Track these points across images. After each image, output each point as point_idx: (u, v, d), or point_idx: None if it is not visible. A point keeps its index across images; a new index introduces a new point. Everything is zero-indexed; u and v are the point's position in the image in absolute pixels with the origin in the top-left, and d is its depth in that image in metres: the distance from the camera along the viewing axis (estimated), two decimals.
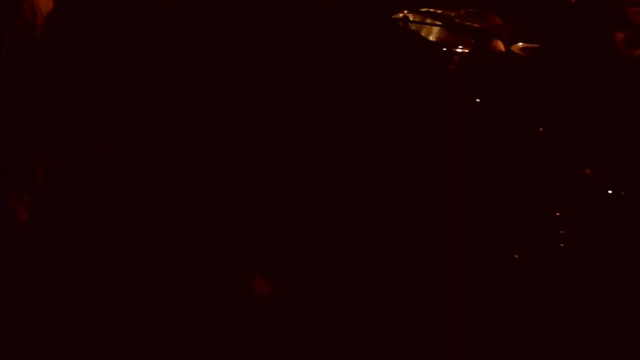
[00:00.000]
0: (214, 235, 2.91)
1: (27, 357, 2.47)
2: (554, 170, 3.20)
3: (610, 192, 3.05)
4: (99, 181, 2.68)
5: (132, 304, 2.69)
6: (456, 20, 3.73)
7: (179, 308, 2.72)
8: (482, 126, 3.51)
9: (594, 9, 3.60)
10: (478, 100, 3.60)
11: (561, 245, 3.07)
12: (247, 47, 3.14)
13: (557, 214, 3.06)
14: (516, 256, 3.04)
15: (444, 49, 3.66)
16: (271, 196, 3.11)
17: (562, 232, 3.06)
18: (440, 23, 3.78)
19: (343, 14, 3.65)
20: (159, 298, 2.72)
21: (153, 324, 2.65)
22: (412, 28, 3.71)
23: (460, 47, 3.61)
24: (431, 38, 3.73)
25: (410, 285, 3.01)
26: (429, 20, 3.80)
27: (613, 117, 3.26)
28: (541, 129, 3.41)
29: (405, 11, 3.70)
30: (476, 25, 3.70)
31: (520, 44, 3.61)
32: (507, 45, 3.62)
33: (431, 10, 3.84)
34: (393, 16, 3.71)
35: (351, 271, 3.08)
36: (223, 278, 2.88)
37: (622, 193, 3.04)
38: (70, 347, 2.54)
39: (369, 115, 3.51)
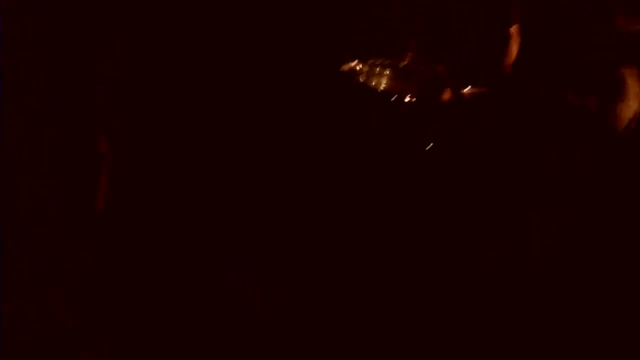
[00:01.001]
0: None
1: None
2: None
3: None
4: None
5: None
6: (405, 67, 3.77)
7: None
8: (437, 170, 3.53)
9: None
10: (432, 144, 3.63)
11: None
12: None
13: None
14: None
15: (395, 97, 3.68)
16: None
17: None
18: (388, 72, 3.82)
19: (291, 66, 3.68)
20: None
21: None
22: (362, 79, 3.73)
23: (410, 94, 3.63)
24: (382, 87, 3.76)
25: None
26: (378, 70, 3.84)
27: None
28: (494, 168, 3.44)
29: (354, 62, 3.73)
30: (425, 71, 3.74)
31: (469, 87, 3.65)
32: (455, 89, 3.66)
33: (379, 59, 3.88)
34: (342, 68, 3.75)
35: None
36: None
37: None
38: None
39: (321, 165, 3.53)
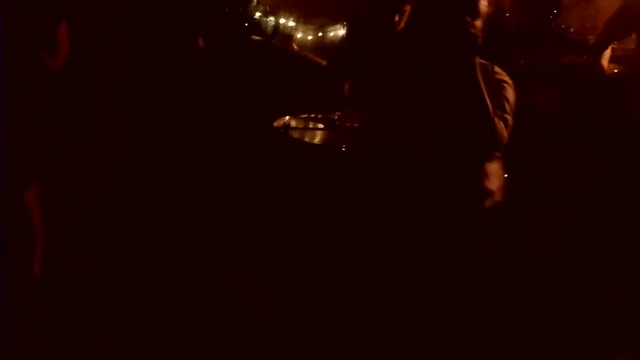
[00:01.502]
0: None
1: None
2: None
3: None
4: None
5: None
6: (337, 121, 3.85)
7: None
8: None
9: None
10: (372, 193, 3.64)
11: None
12: None
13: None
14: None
15: (330, 150, 3.72)
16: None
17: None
18: (322, 126, 3.88)
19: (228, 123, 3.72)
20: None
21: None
22: (296, 135, 3.77)
23: (344, 146, 3.68)
24: (316, 141, 3.80)
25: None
26: (311, 125, 3.90)
27: None
28: None
29: (287, 117, 3.79)
30: (356, 124, 3.82)
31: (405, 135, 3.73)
32: (391, 138, 3.73)
33: (311, 114, 3.96)
34: (275, 124, 3.79)
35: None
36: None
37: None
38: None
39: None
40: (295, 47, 4.18)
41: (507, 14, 4.18)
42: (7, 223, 2.47)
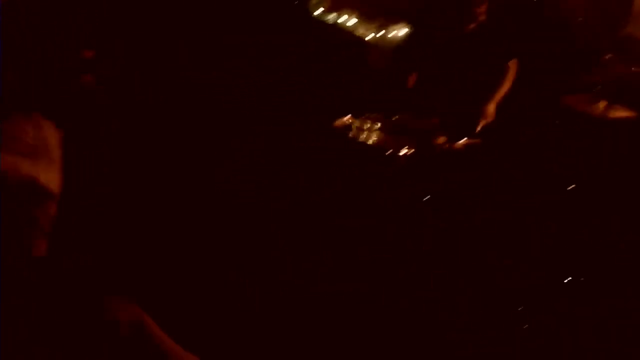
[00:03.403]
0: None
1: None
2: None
3: None
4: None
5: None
6: (397, 122, 3.77)
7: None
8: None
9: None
10: (427, 198, 3.57)
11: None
12: None
13: None
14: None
15: (387, 152, 3.65)
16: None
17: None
18: (379, 126, 3.81)
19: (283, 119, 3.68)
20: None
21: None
22: (352, 134, 3.71)
23: (404, 148, 3.61)
24: (370, 142, 3.73)
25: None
26: (368, 125, 3.83)
27: None
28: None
29: (347, 117, 3.72)
30: (417, 127, 3.74)
31: (464, 139, 3.65)
32: (449, 142, 3.65)
33: (372, 115, 3.88)
34: (334, 124, 3.73)
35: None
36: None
37: None
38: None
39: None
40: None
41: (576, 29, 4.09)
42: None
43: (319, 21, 4.36)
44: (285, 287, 2.84)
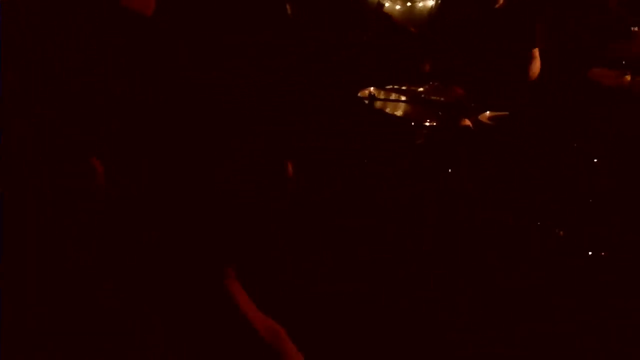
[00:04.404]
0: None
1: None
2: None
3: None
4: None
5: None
6: (422, 95, 3.77)
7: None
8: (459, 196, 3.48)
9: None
10: (450, 170, 3.58)
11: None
12: None
13: None
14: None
15: (412, 124, 3.65)
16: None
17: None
18: (405, 98, 3.81)
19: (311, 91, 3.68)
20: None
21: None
22: (379, 105, 3.71)
23: (428, 120, 3.60)
24: (398, 114, 3.74)
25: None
26: (394, 96, 3.83)
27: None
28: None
29: (372, 88, 3.73)
30: (442, 98, 3.74)
31: (488, 112, 3.64)
32: (474, 115, 3.64)
33: (396, 86, 3.89)
34: (359, 94, 3.74)
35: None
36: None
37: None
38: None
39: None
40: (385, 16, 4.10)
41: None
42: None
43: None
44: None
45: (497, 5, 3.82)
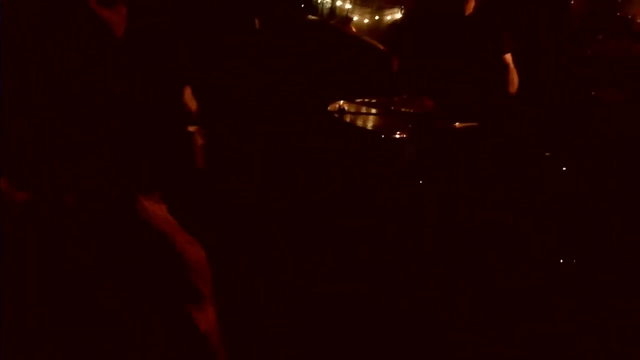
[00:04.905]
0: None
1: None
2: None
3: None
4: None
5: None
6: (392, 107, 3.77)
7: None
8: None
9: None
10: (422, 181, 3.58)
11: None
12: None
13: None
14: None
15: (383, 136, 3.65)
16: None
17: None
18: (375, 111, 3.81)
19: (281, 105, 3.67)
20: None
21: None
22: (348, 119, 3.70)
23: (399, 132, 3.60)
24: (369, 126, 3.73)
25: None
26: (364, 110, 3.83)
27: None
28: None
29: (341, 102, 3.72)
30: (411, 110, 3.74)
31: (457, 123, 3.64)
32: (445, 125, 3.64)
33: (366, 99, 3.88)
34: (329, 108, 3.73)
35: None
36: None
37: None
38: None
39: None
40: (353, 29, 4.11)
41: (572, 2, 4.08)
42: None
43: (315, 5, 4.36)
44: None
45: (465, 15, 3.84)
